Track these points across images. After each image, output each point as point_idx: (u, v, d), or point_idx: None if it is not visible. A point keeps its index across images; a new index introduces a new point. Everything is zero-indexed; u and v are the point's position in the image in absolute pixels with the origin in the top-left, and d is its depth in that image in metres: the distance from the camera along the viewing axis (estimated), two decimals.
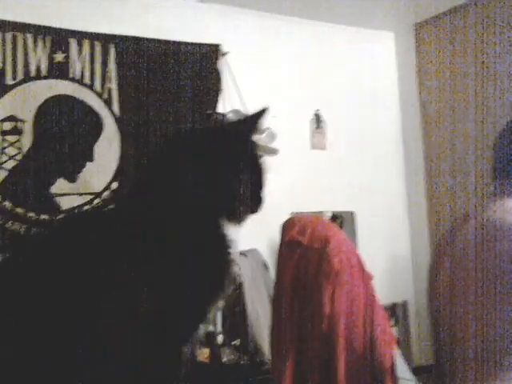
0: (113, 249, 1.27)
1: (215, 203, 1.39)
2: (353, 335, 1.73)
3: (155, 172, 1.44)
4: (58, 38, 3.17)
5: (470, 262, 1.67)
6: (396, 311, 4.05)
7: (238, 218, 1.43)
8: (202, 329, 1.39)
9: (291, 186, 3.77)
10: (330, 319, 1.71)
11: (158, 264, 1.26)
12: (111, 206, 2.56)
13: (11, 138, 3.03)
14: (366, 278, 1.81)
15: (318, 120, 4.01)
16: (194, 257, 1.31)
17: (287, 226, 1.92)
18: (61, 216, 3.07)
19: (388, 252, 4.12)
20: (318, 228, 1.88)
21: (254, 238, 3.50)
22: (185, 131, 1.65)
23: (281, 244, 1.92)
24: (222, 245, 1.39)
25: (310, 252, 1.80)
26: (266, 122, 3.57)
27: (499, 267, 1.55)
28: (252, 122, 1.58)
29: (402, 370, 1.80)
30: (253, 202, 1.48)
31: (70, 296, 1.23)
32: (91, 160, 3.20)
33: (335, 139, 4.05)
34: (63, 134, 3.13)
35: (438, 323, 1.90)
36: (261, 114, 1.56)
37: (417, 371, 2.56)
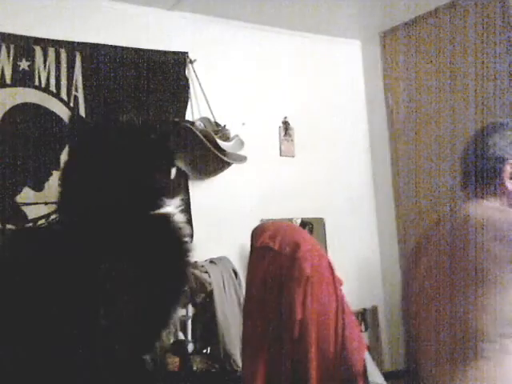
0: (65, 262, 1.26)
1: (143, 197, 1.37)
2: (324, 341, 1.73)
3: (74, 181, 1.42)
4: (23, 46, 3.13)
5: (446, 259, 1.73)
6: (366, 317, 4.07)
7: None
8: (165, 337, 1.37)
9: (260, 193, 3.78)
10: (301, 325, 1.71)
11: (112, 273, 1.25)
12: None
13: None
14: (336, 283, 1.82)
15: (286, 127, 4.03)
16: (148, 260, 1.30)
17: (258, 232, 1.92)
18: (27, 226, 3.03)
19: (357, 258, 4.14)
20: (289, 233, 1.88)
21: (223, 245, 3.50)
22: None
23: (251, 250, 1.92)
24: (178, 245, 1.38)
25: (280, 257, 1.79)
26: (235, 130, 3.60)
27: (474, 261, 1.63)
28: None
29: (374, 375, 1.81)
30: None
31: (26, 311, 1.22)
32: (58, 168, 3.16)
33: (304, 146, 4.06)
34: (29, 142, 3.08)
35: (411, 326, 1.92)
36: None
37: (387, 377, 2.57)
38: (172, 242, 1.38)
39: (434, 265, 1.81)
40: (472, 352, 1.60)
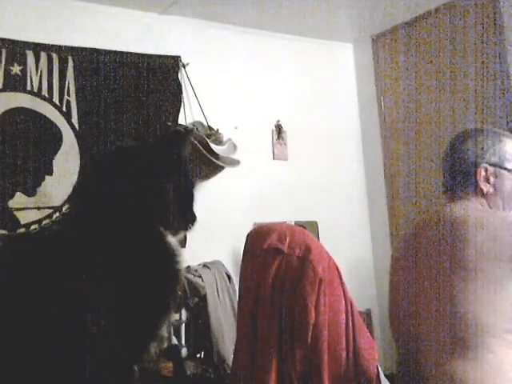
0: (56, 269, 1.25)
1: (151, 215, 1.38)
2: (336, 344, 1.71)
3: (91, 191, 1.43)
4: (14, 50, 3.12)
5: (437, 259, 1.76)
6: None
7: (174, 228, 1.42)
8: (154, 348, 1.36)
9: (253, 196, 3.77)
10: (314, 328, 1.69)
11: (102, 281, 1.25)
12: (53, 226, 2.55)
13: None
14: (344, 285, 1.81)
15: (279, 131, 4.03)
16: (135, 269, 1.29)
17: (262, 234, 1.89)
18: (19, 231, 3.02)
19: (351, 261, 4.14)
20: (297, 236, 1.86)
21: (217, 249, 3.50)
22: (116, 150, 1.68)
23: (252, 252, 1.89)
24: (166, 255, 1.38)
25: (291, 259, 1.78)
26: (228, 134, 3.60)
27: (465, 260, 1.69)
28: (182, 138, 1.59)
29: (383, 379, 1.81)
30: (183, 217, 1.47)
31: (16, 315, 1.21)
32: (50, 173, 3.15)
33: (296, 149, 4.07)
34: (21, 147, 3.07)
35: (399, 328, 1.93)
36: (188, 134, 1.58)
37: None
38: (162, 254, 1.37)
39: (426, 265, 1.84)
40: (478, 347, 1.62)
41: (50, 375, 1.21)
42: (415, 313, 1.82)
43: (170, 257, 1.39)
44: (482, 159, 1.88)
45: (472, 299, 1.65)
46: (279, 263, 1.79)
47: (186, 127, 3.42)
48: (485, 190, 1.87)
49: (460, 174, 1.91)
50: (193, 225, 1.50)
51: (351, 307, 1.78)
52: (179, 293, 1.45)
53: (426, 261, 1.83)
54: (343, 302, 1.77)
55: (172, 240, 1.40)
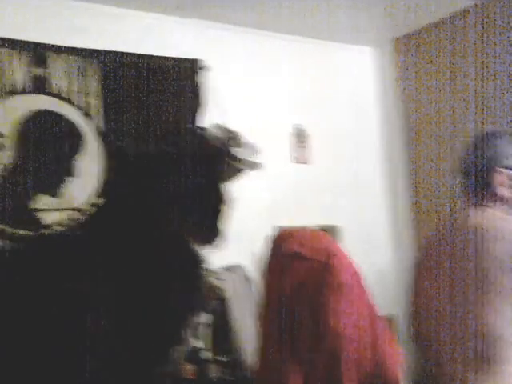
0: (87, 271, 1.25)
1: (180, 225, 1.38)
2: (359, 350, 1.68)
3: (124, 196, 1.43)
4: (36, 53, 3.14)
5: (452, 266, 1.73)
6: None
7: (201, 241, 1.42)
8: (178, 352, 1.36)
9: (274, 200, 3.76)
10: (334, 333, 1.67)
11: (127, 286, 1.24)
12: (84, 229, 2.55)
13: None
14: (366, 291, 1.79)
15: (299, 134, 4.02)
16: (161, 275, 1.29)
17: (283, 239, 1.88)
18: (42, 232, 3.03)
19: (373, 266, 4.09)
20: (318, 240, 1.84)
21: (237, 252, 3.48)
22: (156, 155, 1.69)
23: (274, 256, 1.88)
24: (190, 260, 1.37)
25: (312, 265, 1.76)
26: (247, 136, 3.59)
27: (481, 267, 1.65)
28: (216, 155, 1.57)
29: None
30: (208, 232, 1.46)
31: (47, 315, 1.21)
32: (72, 175, 3.17)
33: (317, 153, 4.05)
34: (43, 148, 3.10)
35: (421, 337, 1.90)
36: (227, 151, 1.57)
37: None
38: (188, 261, 1.37)
39: (445, 273, 1.80)
40: (501, 360, 1.58)
41: (73, 373, 1.20)
42: (437, 321, 1.79)
43: (195, 263, 1.39)
44: (498, 163, 1.84)
45: (491, 311, 1.61)
46: (300, 268, 1.77)
47: (206, 129, 3.41)
48: (503, 195, 1.83)
49: (478, 178, 1.87)
50: (217, 241, 1.49)
51: (374, 313, 1.76)
52: (202, 298, 1.44)
53: (445, 269, 1.80)
54: (365, 307, 1.75)
55: (197, 248, 1.40)
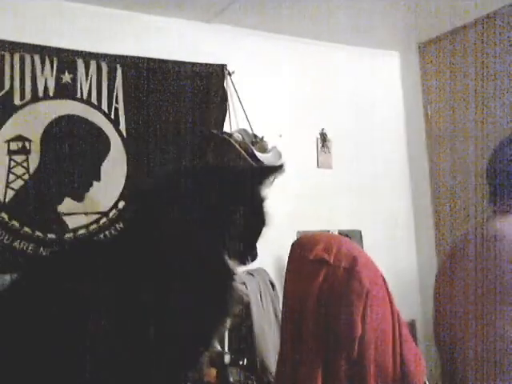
0: (119, 276, 1.27)
1: (215, 238, 1.38)
2: (383, 358, 1.68)
3: (156, 204, 1.44)
4: (65, 59, 3.19)
5: (476, 275, 1.69)
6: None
7: (235, 258, 1.42)
8: (207, 354, 1.39)
9: (297, 204, 3.76)
10: (360, 341, 1.66)
11: (162, 292, 1.26)
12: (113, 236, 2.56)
13: (19, 158, 3.04)
14: (391, 297, 1.78)
15: (323, 139, 4.02)
16: (197, 284, 1.31)
17: (309, 244, 1.87)
18: (68, 235, 3.08)
19: (395, 271, 4.08)
20: (344, 246, 1.83)
21: (260, 256, 3.49)
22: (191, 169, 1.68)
23: (297, 262, 1.88)
24: (224, 271, 1.38)
25: (337, 271, 1.75)
26: (272, 141, 3.60)
27: (502, 278, 1.59)
28: (263, 173, 1.55)
29: None
30: (244, 251, 1.46)
31: (74, 321, 1.23)
32: (98, 179, 3.21)
33: (341, 158, 4.05)
34: (70, 153, 3.14)
35: (444, 342, 1.89)
36: (275, 169, 1.55)
37: None
38: (220, 267, 1.38)
39: (467, 282, 1.76)
40: None
41: (103, 376, 1.23)
42: (460, 329, 1.76)
43: (227, 274, 1.40)
44: None
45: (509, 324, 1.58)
46: (325, 274, 1.76)
47: (230, 134, 3.43)
48: None
49: (502, 184, 1.79)
50: (252, 261, 1.49)
51: (398, 319, 1.75)
52: (231, 307, 1.45)
53: (467, 277, 1.77)
54: (390, 313, 1.74)
55: (230, 261, 1.41)
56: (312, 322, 1.76)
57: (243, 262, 1.46)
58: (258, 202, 1.47)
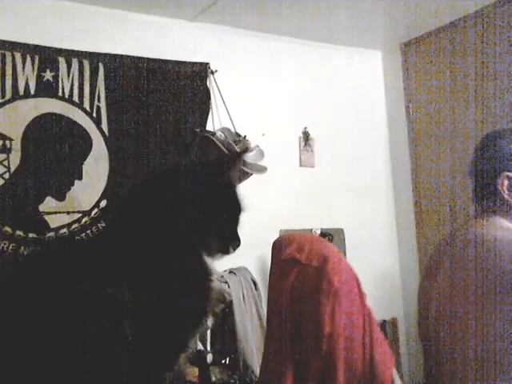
0: (95, 276, 1.27)
1: (192, 236, 1.39)
2: (352, 354, 1.70)
3: (135, 205, 1.45)
4: (47, 57, 3.16)
5: (461, 277, 1.71)
6: (385, 328, 4.05)
7: (211, 253, 1.43)
8: (184, 356, 1.39)
9: (280, 203, 3.77)
10: (329, 339, 1.69)
11: (138, 293, 1.26)
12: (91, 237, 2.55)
13: None
14: (363, 296, 1.80)
15: (306, 138, 4.03)
16: (174, 285, 1.31)
17: (283, 244, 1.90)
18: (49, 234, 3.06)
19: (377, 269, 4.12)
20: (316, 245, 1.85)
21: (243, 255, 3.49)
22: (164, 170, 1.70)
23: (274, 262, 1.91)
24: (201, 272, 1.39)
25: (308, 270, 1.77)
26: (255, 140, 3.61)
27: (487, 281, 1.59)
28: (233, 162, 1.58)
29: None
30: (229, 240, 1.47)
31: (51, 322, 1.23)
32: (80, 178, 3.19)
33: (324, 157, 4.06)
34: (52, 152, 3.12)
35: (430, 339, 1.90)
36: (239, 155, 1.59)
37: None
38: (197, 273, 1.38)
39: (451, 285, 1.77)
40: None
41: (81, 378, 1.23)
42: (460, 329, 1.75)
43: (205, 274, 1.40)
44: (504, 167, 1.73)
45: (490, 329, 1.58)
46: (297, 273, 1.79)
47: (213, 133, 3.43)
48: (510, 202, 1.71)
49: (485, 184, 1.77)
50: (235, 249, 1.50)
51: (369, 317, 1.77)
52: (210, 308, 1.46)
53: (447, 277, 1.78)
54: (361, 312, 1.76)
55: (207, 258, 1.41)
56: (285, 320, 1.79)
57: (225, 252, 1.47)
58: (230, 190, 1.48)
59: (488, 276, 1.59)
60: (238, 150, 3.36)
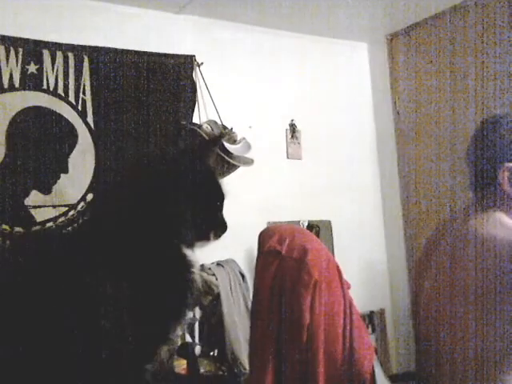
0: (75, 269, 1.27)
1: (171, 227, 1.38)
2: (332, 345, 1.72)
3: (114, 197, 1.44)
4: (31, 50, 3.13)
5: (461, 277, 1.68)
6: (373, 319, 4.07)
7: (189, 243, 1.42)
8: (165, 349, 1.39)
9: (267, 195, 3.78)
10: (309, 329, 1.70)
11: (117, 286, 1.26)
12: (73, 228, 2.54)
13: None
14: (344, 287, 1.81)
15: (293, 130, 4.03)
16: (154, 277, 1.31)
17: (265, 236, 1.91)
18: (35, 228, 3.04)
19: (364, 260, 4.14)
20: (297, 237, 1.86)
21: (230, 247, 3.49)
22: (143, 159, 1.69)
23: (259, 254, 1.91)
24: (181, 265, 1.39)
25: (288, 262, 1.78)
26: (242, 133, 3.61)
27: (487, 281, 1.57)
28: (207, 148, 1.58)
29: (381, 380, 1.80)
30: (209, 227, 1.47)
31: (32, 314, 1.23)
32: (66, 172, 3.17)
33: (311, 149, 4.07)
34: (37, 145, 3.09)
35: (429, 339, 1.89)
36: (216, 140, 1.59)
37: (394, 379, 2.57)
38: (177, 265, 1.38)
39: (451, 285, 1.75)
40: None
41: (63, 368, 1.22)
42: (437, 321, 1.75)
43: (185, 267, 1.40)
44: (504, 157, 1.63)
45: (490, 329, 1.57)
46: (277, 265, 1.80)
47: (199, 126, 3.42)
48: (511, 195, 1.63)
49: (484, 173, 1.67)
50: (221, 234, 1.50)
51: (350, 309, 1.78)
52: (191, 301, 1.46)
53: (446, 270, 1.76)
54: (342, 303, 1.77)
55: (187, 250, 1.41)
56: (266, 312, 1.80)
57: (207, 239, 1.46)
58: (208, 176, 1.48)
59: (488, 276, 1.57)
60: (222, 141, 3.36)
